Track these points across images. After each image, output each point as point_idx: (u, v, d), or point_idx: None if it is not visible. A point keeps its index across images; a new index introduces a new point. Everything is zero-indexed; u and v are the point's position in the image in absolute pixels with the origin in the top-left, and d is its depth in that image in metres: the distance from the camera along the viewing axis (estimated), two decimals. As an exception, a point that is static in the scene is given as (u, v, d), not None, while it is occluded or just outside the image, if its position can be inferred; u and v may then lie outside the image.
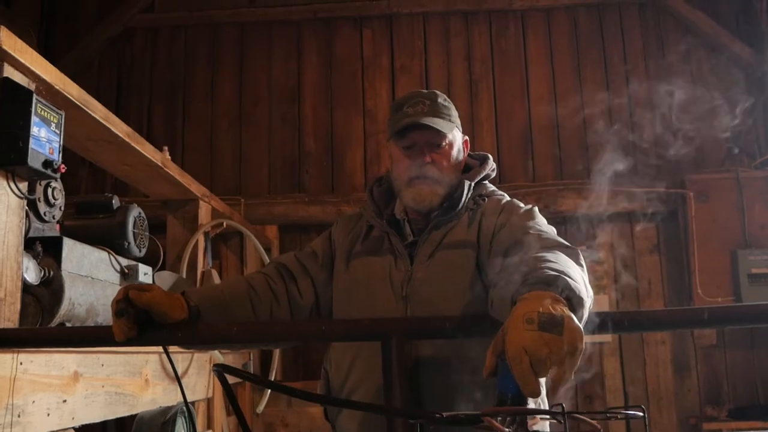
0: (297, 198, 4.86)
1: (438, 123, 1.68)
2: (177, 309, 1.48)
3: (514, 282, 1.20)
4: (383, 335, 1.41)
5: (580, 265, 1.35)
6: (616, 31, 5.00)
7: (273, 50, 5.14)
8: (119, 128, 2.33)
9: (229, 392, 1.39)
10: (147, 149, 2.57)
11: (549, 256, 1.27)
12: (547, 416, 0.93)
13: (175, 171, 2.88)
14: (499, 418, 1.02)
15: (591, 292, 1.31)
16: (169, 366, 2.68)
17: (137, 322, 1.43)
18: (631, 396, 4.50)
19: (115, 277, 2.30)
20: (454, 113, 1.77)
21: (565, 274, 1.17)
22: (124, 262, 2.35)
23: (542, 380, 1.07)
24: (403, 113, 1.71)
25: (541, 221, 1.61)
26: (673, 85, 4.87)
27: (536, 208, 1.68)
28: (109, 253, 2.25)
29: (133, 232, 2.39)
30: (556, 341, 1.01)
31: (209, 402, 3.20)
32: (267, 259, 3.74)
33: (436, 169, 1.70)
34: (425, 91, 1.78)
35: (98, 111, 2.18)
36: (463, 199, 1.71)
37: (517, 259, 1.34)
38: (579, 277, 1.23)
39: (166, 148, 3.16)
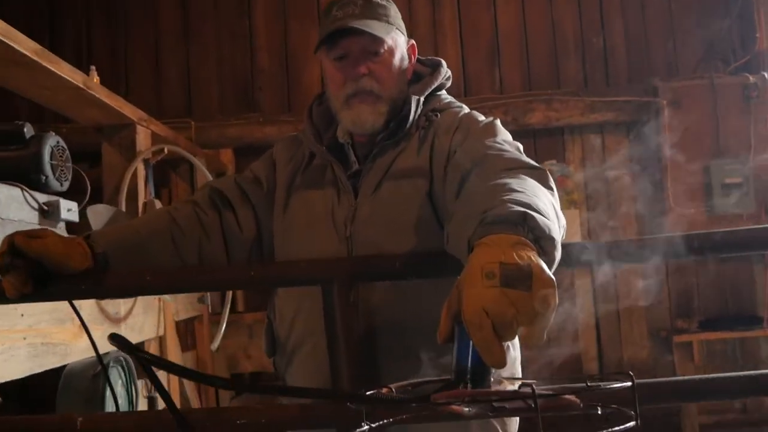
0: (251, 118, 4.57)
1: (373, 26, 1.41)
2: (78, 257, 1.25)
3: (470, 219, 0.98)
4: (323, 279, 1.20)
5: (550, 188, 1.14)
6: (586, -73, 4.65)
7: (218, -43, 4.73)
8: (25, 46, 2.02)
9: (150, 374, 1.15)
10: (64, 69, 2.27)
11: (513, 182, 1.05)
12: (515, 398, 0.74)
13: (102, 93, 2.58)
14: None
15: (563, 220, 1.11)
16: (109, 306, 2.47)
17: (32, 275, 1.20)
18: (602, 312, 4.42)
19: (33, 216, 2.05)
20: (394, 13, 1.50)
21: (533, 208, 0.95)
22: (43, 198, 2.09)
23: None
24: (331, 18, 1.44)
25: (504, 136, 1.38)
26: (646, -14, 4.60)
27: (498, 121, 1.45)
28: (22, 189, 1.99)
29: (51, 164, 2.12)
30: (524, 299, 0.81)
31: (161, 340, 3.02)
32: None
33: (375, 81, 1.44)
34: None
35: (-8, 26, 1.87)
36: (412, 116, 1.47)
37: (474, 188, 1.12)
38: (549, 207, 1.02)
39: (93, 68, 2.85)
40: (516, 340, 1.16)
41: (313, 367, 1.41)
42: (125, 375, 2.23)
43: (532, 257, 0.86)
